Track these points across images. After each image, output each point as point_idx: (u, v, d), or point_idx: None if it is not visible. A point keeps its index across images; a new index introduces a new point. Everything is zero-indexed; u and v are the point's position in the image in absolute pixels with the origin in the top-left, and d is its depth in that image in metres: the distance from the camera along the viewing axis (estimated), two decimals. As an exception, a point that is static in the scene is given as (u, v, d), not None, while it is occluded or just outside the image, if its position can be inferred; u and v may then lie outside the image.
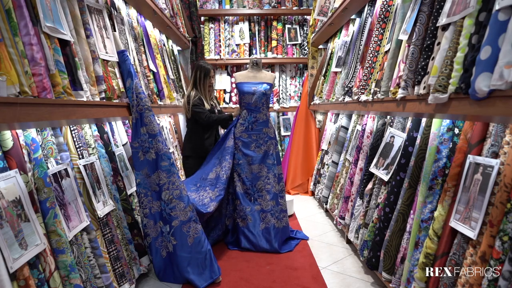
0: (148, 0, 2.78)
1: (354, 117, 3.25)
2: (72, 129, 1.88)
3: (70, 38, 1.64)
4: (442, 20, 1.39)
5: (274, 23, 5.37)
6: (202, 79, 2.98)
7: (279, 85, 5.43)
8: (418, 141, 1.90)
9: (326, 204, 3.63)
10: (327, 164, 3.85)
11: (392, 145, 2.20)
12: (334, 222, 3.20)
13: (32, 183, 1.46)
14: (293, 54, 5.34)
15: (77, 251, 1.63)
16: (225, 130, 3.07)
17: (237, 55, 5.30)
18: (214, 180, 2.79)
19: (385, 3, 2.27)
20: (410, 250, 1.74)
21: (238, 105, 3.13)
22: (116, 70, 2.17)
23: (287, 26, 5.36)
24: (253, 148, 2.94)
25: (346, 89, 3.01)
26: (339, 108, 3.28)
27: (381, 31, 2.29)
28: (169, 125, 4.00)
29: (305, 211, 3.93)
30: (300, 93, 5.41)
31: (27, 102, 1.20)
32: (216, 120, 2.98)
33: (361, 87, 2.45)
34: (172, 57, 4.20)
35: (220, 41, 5.33)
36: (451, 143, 1.65)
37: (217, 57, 5.25)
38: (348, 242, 2.88)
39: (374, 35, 2.37)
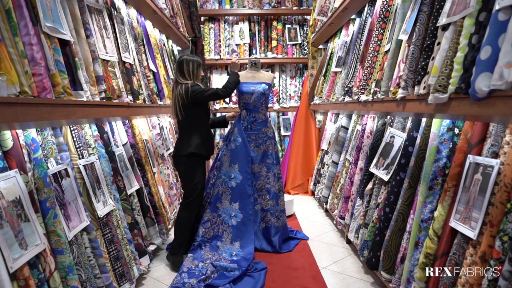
0: (148, 0, 2.78)
1: (354, 117, 3.25)
2: (72, 129, 1.88)
3: (70, 38, 1.64)
4: (442, 20, 1.39)
5: (274, 23, 5.37)
6: (196, 71, 2.60)
7: (279, 85, 5.43)
8: (418, 141, 1.90)
9: (326, 204, 3.63)
10: (327, 164, 3.85)
11: (392, 145, 2.20)
12: (334, 222, 3.20)
13: (32, 183, 1.46)
14: (293, 54, 5.34)
15: (77, 251, 1.63)
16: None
17: (237, 55, 5.30)
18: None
19: (385, 3, 2.27)
20: (410, 250, 1.74)
21: (237, 105, 3.12)
22: (116, 70, 2.17)
23: (287, 26, 5.36)
24: (252, 148, 2.94)
25: (346, 89, 3.01)
26: (339, 108, 3.28)
27: (381, 31, 2.29)
28: (169, 125, 4.00)
29: (305, 211, 3.93)
30: (300, 93, 5.41)
31: (27, 102, 1.20)
32: (232, 86, 2.64)
33: (361, 87, 2.45)
34: (172, 57, 4.20)
35: (220, 41, 5.33)
36: (451, 143, 1.65)
37: (217, 57, 5.25)
38: (348, 242, 2.88)
39: (374, 35, 2.37)
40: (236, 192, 2.78)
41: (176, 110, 2.54)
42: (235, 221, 2.74)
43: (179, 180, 2.75)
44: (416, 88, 1.54)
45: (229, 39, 5.36)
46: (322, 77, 4.29)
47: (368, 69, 2.39)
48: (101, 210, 1.93)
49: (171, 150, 3.65)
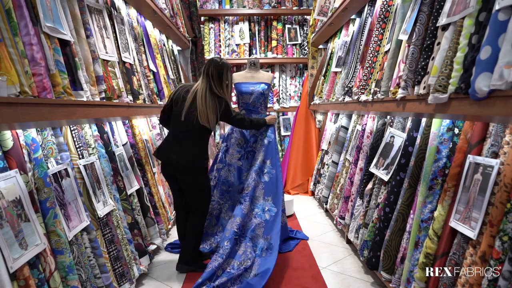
0: (148, 0, 2.78)
1: (354, 117, 3.25)
2: (72, 129, 1.88)
3: (70, 38, 1.64)
4: (442, 20, 1.39)
5: (274, 23, 5.37)
6: (231, 85, 2.51)
7: (279, 85, 5.43)
8: (418, 141, 1.90)
9: (326, 204, 3.63)
10: (327, 164, 3.85)
11: (392, 145, 2.20)
12: (334, 222, 3.20)
13: (32, 183, 1.46)
14: (293, 54, 5.35)
15: (77, 251, 1.63)
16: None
17: (237, 55, 5.30)
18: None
19: (385, 3, 2.27)
20: (410, 250, 1.74)
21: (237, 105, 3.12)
22: (116, 70, 2.17)
23: (287, 26, 5.36)
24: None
25: (346, 89, 3.01)
26: (339, 108, 3.28)
27: (381, 31, 2.29)
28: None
29: (305, 211, 3.93)
30: (300, 93, 5.41)
31: (27, 102, 1.20)
32: (257, 123, 2.70)
33: (361, 87, 2.45)
34: (172, 57, 4.20)
35: (220, 41, 5.33)
36: (451, 143, 1.65)
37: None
38: (348, 242, 2.88)
39: (374, 35, 2.37)
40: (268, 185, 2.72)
41: (205, 116, 2.29)
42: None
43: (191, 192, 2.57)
44: (416, 88, 1.54)
45: (229, 39, 5.36)
46: (322, 77, 4.29)
47: (368, 69, 2.39)
48: (101, 210, 1.93)
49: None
